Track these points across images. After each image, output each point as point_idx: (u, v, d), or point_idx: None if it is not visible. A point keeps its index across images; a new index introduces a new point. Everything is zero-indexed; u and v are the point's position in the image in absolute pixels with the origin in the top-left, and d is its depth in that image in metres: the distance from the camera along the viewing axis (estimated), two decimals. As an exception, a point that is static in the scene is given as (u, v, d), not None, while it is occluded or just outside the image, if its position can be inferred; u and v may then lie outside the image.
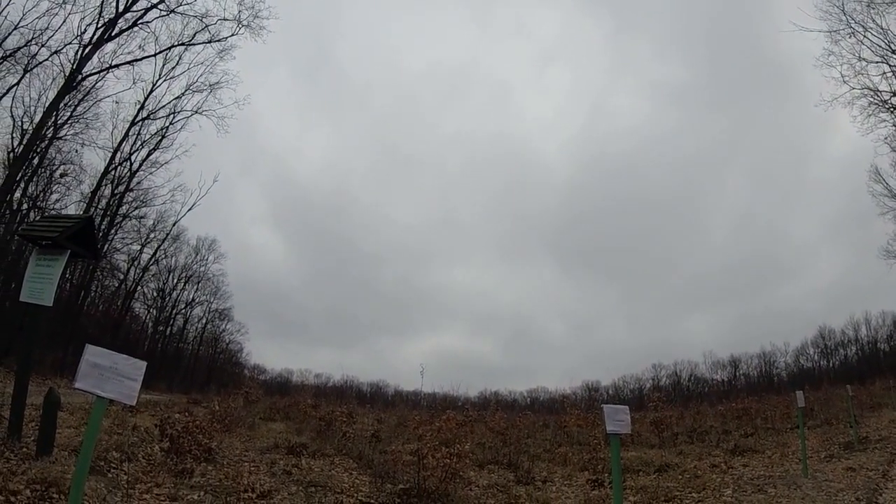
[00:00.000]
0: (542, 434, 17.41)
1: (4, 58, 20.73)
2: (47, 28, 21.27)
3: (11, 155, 22.51)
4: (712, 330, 66.06)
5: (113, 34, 22.53)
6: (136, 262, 34.58)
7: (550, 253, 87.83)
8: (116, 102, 26.79)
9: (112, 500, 5.33)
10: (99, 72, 23.62)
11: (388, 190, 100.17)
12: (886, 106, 21.17)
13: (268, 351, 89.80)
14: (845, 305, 65.99)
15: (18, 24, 20.57)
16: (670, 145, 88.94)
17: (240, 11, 25.09)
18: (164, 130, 29.42)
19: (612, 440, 5.04)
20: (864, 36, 20.71)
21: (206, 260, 42.13)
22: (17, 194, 23.77)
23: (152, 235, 34.59)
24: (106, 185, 28.36)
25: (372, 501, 7.15)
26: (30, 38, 21.00)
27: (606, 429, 4.95)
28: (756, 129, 79.24)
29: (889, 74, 20.91)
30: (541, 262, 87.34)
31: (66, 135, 24.85)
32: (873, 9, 20.22)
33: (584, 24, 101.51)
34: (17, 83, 22.02)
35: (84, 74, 22.67)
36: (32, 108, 23.06)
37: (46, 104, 22.18)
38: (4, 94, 21.97)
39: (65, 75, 21.82)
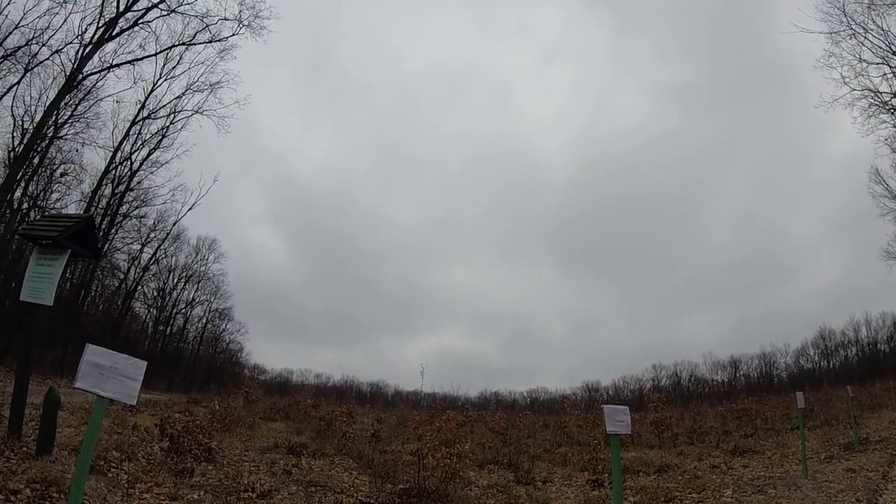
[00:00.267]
0: (542, 434, 17.41)
1: (5, 57, 20.75)
2: (48, 27, 21.35)
3: (12, 154, 22.52)
4: (712, 330, 66.11)
5: (114, 34, 22.57)
6: (136, 262, 34.67)
7: (551, 253, 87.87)
8: (117, 102, 26.86)
9: (112, 499, 5.33)
10: (99, 71, 23.68)
11: (388, 190, 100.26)
12: (887, 107, 21.20)
13: (268, 351, 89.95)
14: (846, 306, 66.11)
15: (19, 23, 20.63)
16: (671, 145, 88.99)
17: (240, 11, 25.16)
18: (164, 130, 29.48)
19: (612, 440, 5.04)
20: (865, 37, 20.76)
21: (207, 260, 42.21)
22: (18, 193, 23.82)
23: (153, 235, 34.67)
24: (106, 184, 28.42)
25: (372, 501, 7.15)
26: (30, 37, 21.07)
27: (606, 429, 4.95)
28: (757, 129, 79.31)
29: (889, 76, 20.96)
30: (541, 263, 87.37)
31: (66, 134, 24.91)
32: (874, 10, 20.27)
33: (586, 23, 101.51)
34: (18, 82, 22.08)
35: (85, 74, 22.72)
36: (33, 108, 23.13)
37: (47, 103, 22.22)
38: (5, 94, 22.01)
39: (65, 75, 21.86)
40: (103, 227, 27.83)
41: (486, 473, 10.01)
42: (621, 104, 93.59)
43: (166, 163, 30.31)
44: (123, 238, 32.28)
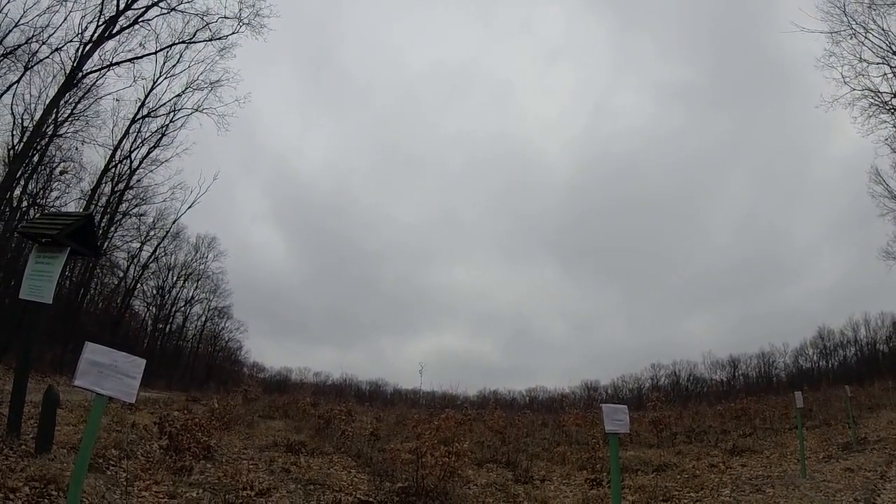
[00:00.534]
0: (540, 433, 17.43)
1: (5, 55, 20.71)
2: (48, 25, 21.27)
3: (12, 152, 22.49)
4: (712, 330, 66.11)
5: (114, 32, 22.50)
6: (135, 260, 34.67)
7: (551, 253, 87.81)
8: (117, 100, 26.77)
9: (111, 497, 5.34)
10: (99, 69, 23.61)
11: (388, 189, 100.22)
12: (887, 107, 21.18)
13: (267, 349, 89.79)
14: (846, 306, 65.94)
15: (19, 21, 20.57)
16: (673, 145, 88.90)
17: (241, 9, 25.03)
18: (164, 128, 29.41)
19: (610, 439, 5.05)
20: (865, 37, 20.74)
21: (206, 258, 42.23)
22: (18, 192, 23.76)
23: (152, 233, 34.69)
24: (106, 182, 28.37)
25: (370, 499, 7.16)
26: (30, 35, 21.00)
27: (605, 428, 4.96)
28: (759, 129, 79.13)
29: (890, 75, 20.93)
30: (541, 262, 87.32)
31: (66, 132, 24.86)
32: (874, 10, 20.24)
33: (588, 22, 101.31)
34: (18, 80, 22.01)
35: (84, 72, 22.63)
36: (33, 106, 23.08)
37: (47, 102, 22.16)
38: (5, 92, 21.96)
39: (65, 73, 21.80)
40: (103, 225, 27.81)
41: (485, 472, 10.03)
42: (623, 104, 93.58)
43: (166, 161, 30.30)
44: (123, 236, 32.35)
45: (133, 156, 29.26)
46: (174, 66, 27.60)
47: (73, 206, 26.07)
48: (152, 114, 28.64)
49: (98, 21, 21.80)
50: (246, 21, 25.20)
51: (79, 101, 24.41)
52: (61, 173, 25.61)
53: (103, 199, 28.69)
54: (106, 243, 28.63)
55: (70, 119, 24.56)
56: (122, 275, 34.62)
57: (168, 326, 41.98)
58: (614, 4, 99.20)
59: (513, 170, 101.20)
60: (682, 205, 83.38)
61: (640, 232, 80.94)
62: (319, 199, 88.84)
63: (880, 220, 25.19)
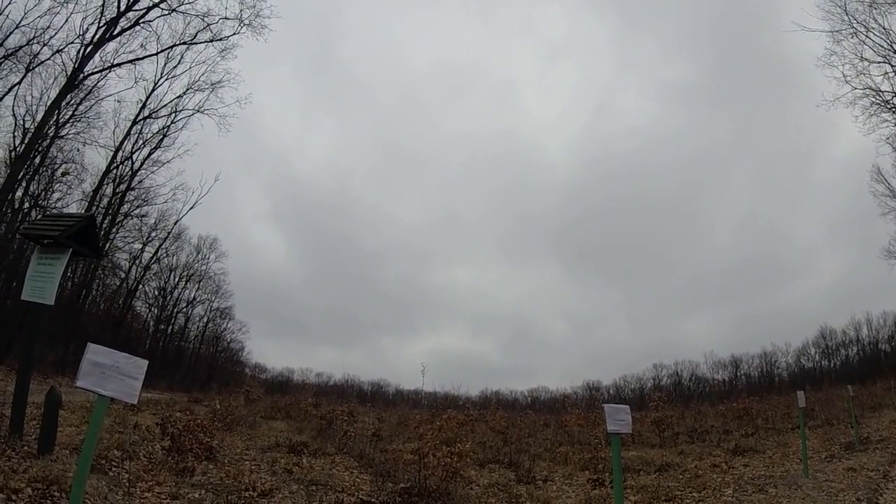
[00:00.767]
0: (542, 433, 17.43)
1: (6, 57, 20.76)
2: (49, 27, 21.34)
3: (13, 154, 22.54)
4: (713, 330, 65.89)
5: (115, 33, 22.57)
6: (137, 261, 34.68)
7: (552, 252, 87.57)
8: (118, 101, 26.82)
9: (113, 498, 5.34)
10: (101, 71, 23.66)
11: (389, 189, 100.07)
12: (888, 106, 21.17)
13: (269, 350, 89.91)
14: (848, 306, 65.82)
15: (20, 22, 20.63)
16: (674, 145, 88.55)
17: (241, 10, 25.09)
18: (165, 129, 29.46)
19: (612, 440, 5.04)
20: (867, 36, 20.74)
21: (208, 259, 42.21)
22: (19, 193, 23.83)
23: (154, 234, 34.68)
24: (107, 183, 28.41)
25: (373, 500, 7.16)
26: (32, 37, 21.07)
27: (607, 428, 4.95)
28: (760, 129, 78.81)
29: (891, 74, 20.93)
30: (542, 262, 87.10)
31: (67, 134, 24.89)
32: (875, 9, 20.24)
33: (590, 22, 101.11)
34: (19, 82, 22.08)
35: (86, 73, 22.71)
36: (34, 107, 23.13)
37: (48, 103, 22.23)
38: (6, 93, 22.02)
39: (66, 74, 21.86)
40: (104, 226, 27.83)
41: (487, 472, 10.02)
42: (624, 103, 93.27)
43: (167, 162, 30.33)
44: (124, 237, 32.35)
45: (134, 157, 29.33)
46: (175, 67, 27.70)
47: (74, 208, 26.13)
48: (153, 115, 28.71)
49: (99, 22, 21.90)
50: (247, 22, 25.28)
51: (80, 103, 24.48)
52: (63, 175, 25.67)
53: (105, 201, 28.75)
54: (107, 244, 28.67)
55: (71, 120, 24.62)
56: (123, 276, 34.68)
57: (170, 327, 42.03)
58: (616, 4, 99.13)
59: (513, 169, 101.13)
60: (682, 204, 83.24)
61: (641, 232, 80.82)
62: (320, 199, 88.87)
63: (881, 219, 25.23)
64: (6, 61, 20.88)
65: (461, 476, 7.92)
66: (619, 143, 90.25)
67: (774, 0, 59.86)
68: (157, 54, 25.65)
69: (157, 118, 28.99)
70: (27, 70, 21.69)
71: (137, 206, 31.47)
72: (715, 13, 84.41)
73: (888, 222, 25.44)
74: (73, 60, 21.88)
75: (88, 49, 21.88)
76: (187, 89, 28.46)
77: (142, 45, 24.32)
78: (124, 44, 23.68)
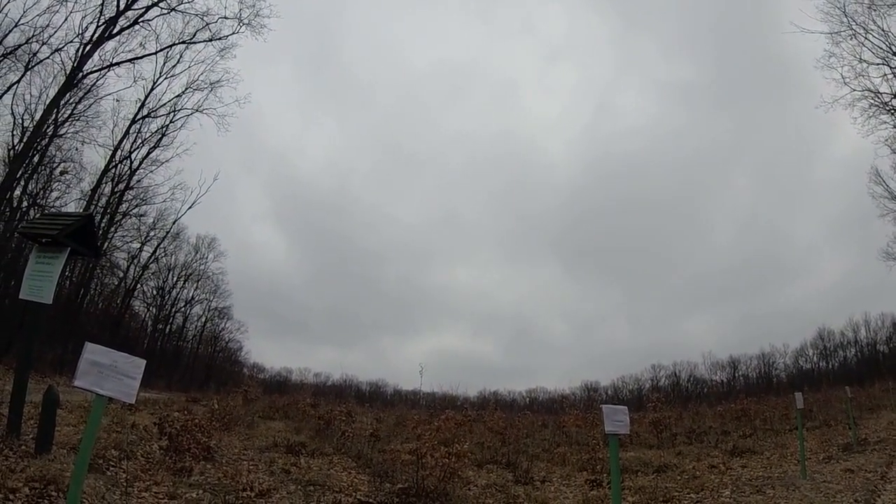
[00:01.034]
0: (540, 434, 17.41)
1: (5, 55, 20.74)
2: (48, 26, 21.31)
3: (12, 152, 22.50)
4: (712, 330, 66.10)
5: (114, 32, 22.53)
6: (135, 260, 34.68)
7: (552, 253, 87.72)
8: (117, 100, 26.78)
9: (111, 498, 5.33)
10: (100, 70, 23.63)
11: (389, 189, 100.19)
12: (887, 108, 21.21)
13: (267, 349, 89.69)
14: (847, 307, 65.69)
15: (19, 21, 20.60)
16: (674, 145, 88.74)
17: (241, 10, 25.08)
18: (164, 129, 29.40)
19: (610, 440, 5.05)
20: (865, 38, 20.78)
21: (206, 258, 42.24)
22: (18, 192, 23.77)
23: (152, 233, 34.68)
24: (106, 183, 28.37)
25: (370, 500, 7.15)
26: (31, 35, 21.03)
27: (605, 429, 4.95)
28: (760, 129, 79.07)
29: (890, 76, 20.97)
30: (543, 262, 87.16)
31: (66, 132, 24.87)
32: (874, 10, 20.28)
33: (590, 22, 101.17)
34: (18, 81, 22.03)
35: (85, 72, 22.67)
36: (33, 106, 23.10)
37: (47, 102, 22.19)
38: (5, 92, 21.97)
39: (65, 73, 21.83)
40: (103, 225, 27.81)
41: (485, 473, 10.02)
42: (625, 103, 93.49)
43: (166, 161, 30.30)
44: (123, 236, 32.35)
45: (133, 156, 29.30)
46: (174, 66, 27.66)
47: (73, 207, 26.10)
48: (152, 114, 28.67)
49: (98, 21, 21.86)
50: (246, 21, 25.27)
51: (79, 102, 24.46)
52: (61, 173, 25.63)
53: (103, 200, 28.71)
54: (106, 244, 28.63)
55: (70, 119, 24.60)
56: (122, 275, 34.66)
57: (168, 327, 42.02)
58: (616, 4, 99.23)
59: (514, 169, 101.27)
60: (682, 204, 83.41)
61: (641, 232, 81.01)
62: (320, 199, 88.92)
63: (880, 220, 25.27)
64: (5, 60, 20.86)
65: (459, 476, 7.93)
66: (620, 142, 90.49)
67: (774, 0, 60.04)
68: (156, 53, 25.64)
69: (156, 117, 28.99)
70: (26, 68, 21.66)
71: (136, 206, 31.51)
72: (715, 13, 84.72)
73: (887, 224, 25.53)
74: (72, 59, 21.87)
75: (87, 48, 21.86)
76: (186, 89, 28.46)
77: (141, 45, 24.32)
78: (123, 43, 23.69)
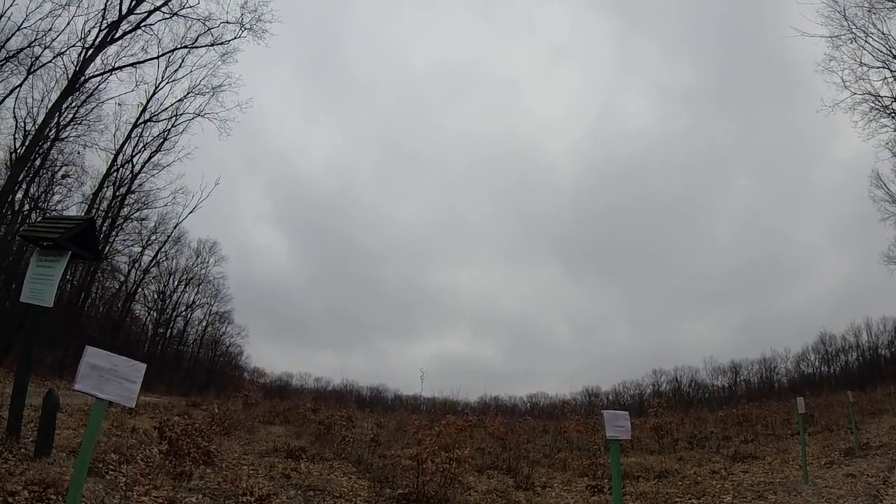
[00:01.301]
0: (541, 439, 17.36)
1: (8, 59, 20.83)
2: (50, 30, 21.44)
3: (13, 156, 22.58)
4: (714, 335, 65.68)
5: (116, 36, 22.62)
6: (136, 264, 34.71)
7: (555, 254, 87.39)
8: (119, 104, 26.91)
9: (110, 501, 5.32)
10: (102, 74, 23.72)
11: (390, 189, 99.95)
12: (887, 111, 21.23)
13: (268, 354, 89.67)
14: (849, 310, 65.52)
15: (21, 25, 20.73)
16: (675, 146, 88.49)
17: (242, 15, 25.22)
18: (166, 133, 29.56)
19: (611, 446, 5.03)
20: (866, 41, 20.81)
21: (207, 263, 42.22)
22: (19, 195, 23.85)
23: (153, 237, 34.72)
24: (107, 186, 28.46)
25: (371, 505, 7.13)
26: (33, 39, 21.17)
27: (606, 434, 4.94)
28: (762, 131, 79.00)
29: (890, 79, 20.99)
30: (545, 264, 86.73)
31: (68, 136, 24.98)
32: (875, 14, 20.31)
33: (593, 22, 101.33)
34: (21, 84, 22.15)
35: (87, 76, 22.75)
36: (35, 110, 23.20)
37: (49, 105, 22.27)
38: (7, 95, 22.09)
39: (68, 77, 21.91)
40: (104, 229, 27.85)
41: (486, 478, 9.97)
42: (626, 104, 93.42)
43: (168, 165, 30.48)
44: (124, 240, 32.40)
45: (135, 160, 29.43)
46: (176, 70, 27.79)
47: (74, 210, 26.16)
48: (154, 118, 28.80)
49: (100, 25, 21.95)
50: (248, 26, 25.41)
51: (81, 105, 24.57)
52: (63, 177, 25.71)
53: (105, 204, 28.77)
54: (107, 247, 28.69)
55: (72, 123, 24.72)
56: (123, 279, 34.70)
57: (169, 331, 41.98)
58: (619, 4, 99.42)
59: (516, 170, 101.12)
60: (683, 205, 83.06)
61: (642, 232, 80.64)
62: (321, 199, 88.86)
63: (882, 224, 25.27)
64: (7, 63, 20.96)
65: (460, 482, 7.89)
66: (621, 144, 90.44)
67: (775, 3, 60.22)
68: (158, 58, 25.73)
69: (158, 121, 29.13)
70: (28, 72, 21.77)
71: (137, 210, 31.60)
72: (716, 15, 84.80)
73: (888, 227, 25.51)
74: (75, 63, 21.95)
75: (90, 52, 21.94)
76: (188, 93, 28.59)
77: (143, 49, 24.41)
78: (125, 47, 23.78)
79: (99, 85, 24.46)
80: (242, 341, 49.51)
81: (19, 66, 21.42)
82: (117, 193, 29.43)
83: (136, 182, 30.11)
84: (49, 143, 23.92)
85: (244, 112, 31.11)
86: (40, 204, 25.12)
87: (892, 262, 25.83)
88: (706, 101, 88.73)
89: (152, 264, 36.25)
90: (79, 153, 25.76)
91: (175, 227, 35.34)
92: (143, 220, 32.38)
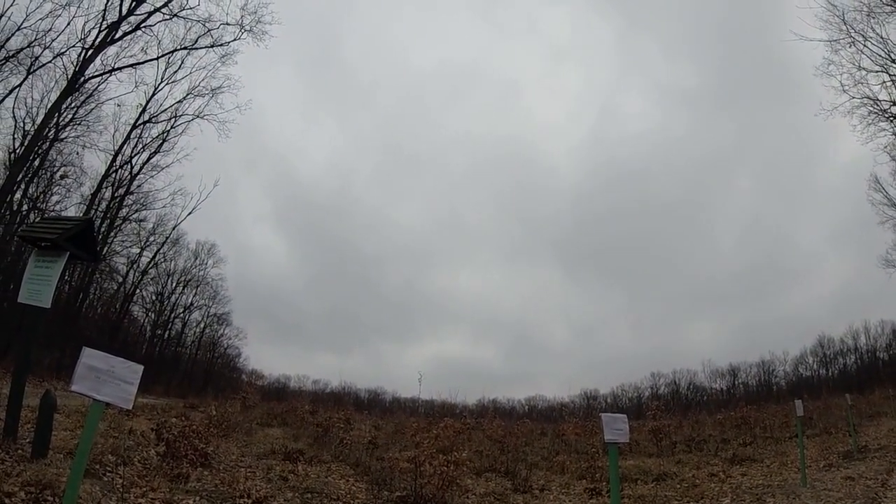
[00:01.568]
0: (539, 442, 17.33)
1: (7, 59, 20.83)
2: (50, 30, 21.46)
3: (12, 156, 22.57)
4: (713, 337, 65.73)
5: (116, 37, 22.63)
6: (135, 266, 34.62)
7: (555, 256, 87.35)
8: (118, 105, 26.89)
9: (107, 503, 5.30)
10: (101, 74, 23.72)
11: (391, 191, 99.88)
12: (886, 115, 21.30)
13: (266, 356, 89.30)
14: (847, 313, 65.34)
15: (21, 25, 20.74)
16: (676, 148, 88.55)
17: (242, 16, 25.25)
18: (165, 134, 29.56)
19: (610, 449, 5.02)
20: (864, 45, 20.88)
21: (206, 264, 42.13)
22: (18, 195, 23.82)
23: (152, 239, 34.65)
24: (106, 187, 28.45)
25: (368, 508, 7.11)
26: (33, 39, 21.18)
27: (604, 437, 4.93)
28: (763, 133, 79.15)
29: (889, 84, 21.07)
30: (545, 266, 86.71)
31: (67, 137, 24.99)
32: (873, 18, 20.38)
33: (594, 23, 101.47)
34: (20, 84, 22.15)
35: (86, 77, 22.76)
36: (34, 110, 23.20)
37: (48, 106, 22.27)
38: (7, 95, 22.09)
39: (67, 77, 21.91)
40: (102, 230, 27.84)
41: (484, 481, 9.96)
42: (627, 106, 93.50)
43: (167, 167, 30.46)
44: (122, 241, 32.32)
45: (134, 161, 29.41)
46: (176, 72, 27.81)
47: (73, 211, 26.16)
48: (153, 119, 28.81)
49: (100, 26, 21.97)
50: (247, 28, 25.43)
51: (80, 106, 24.58)
52: (62, 177, 25.69)
53: (103, 204, 28.75)
54: (105, 248, 28.65)
55: (71, 123, 24.73)
56: (121, 280, 34.61)
57: (167, 332, 41.87)
58: (619, 5, 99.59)
59: (517, 172, 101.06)
60: (684, 207, 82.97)
61: (644, 235, 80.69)
62: (321, 201, 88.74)
63: (880, 227, 25.35)
64: (7, 63, 20.96)
65: (458, 485, 7.88)
66: (621, 145, 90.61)
67: (776, 4, 60.40)
68: (157, 59, 25.75)
69: (157, 123, 29.14)
70: (28, 72, 21.77)
71: (136, 211, 31.55)
72: (717, 17, 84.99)
73: (886, 231, 25.61)
74: (74, 64, 21.96)
75: (89, 53, 21.94)
76: (187, 94, 28.61)
77: (143, 50, 24.43)
78: (125, 48, 23.81)
79: (98, 86, 24.52)
80: (241, 343, 49.46)
81: (19, 66, 21.45)
82: (116, 194, 29.43)
83: (135, 183, 30.13)
84: (48, 144, 23.92)
85: (243, 113, 31.29)
86: (39, 204, 25.10)
87: (890, 266, 25.92)
88: (706, 101, 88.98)
89: (150, 265, 36.21)
90: (78, 154, 25.81)
91: (174, 229, 35.34)
92: (141, 221, 32.37)
